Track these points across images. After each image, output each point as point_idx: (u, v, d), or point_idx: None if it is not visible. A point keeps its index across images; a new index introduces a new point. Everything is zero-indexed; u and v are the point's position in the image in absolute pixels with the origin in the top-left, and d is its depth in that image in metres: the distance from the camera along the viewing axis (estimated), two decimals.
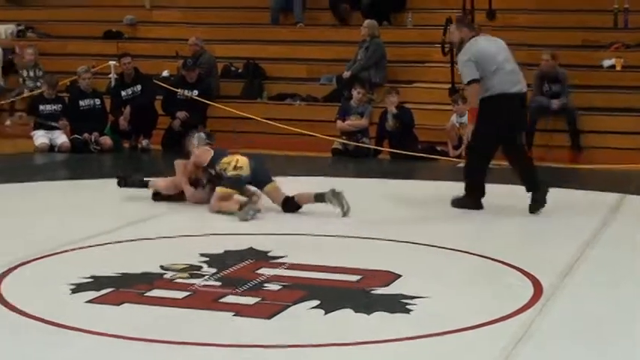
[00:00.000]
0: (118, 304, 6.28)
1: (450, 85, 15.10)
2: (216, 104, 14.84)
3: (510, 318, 6.02)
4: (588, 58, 15.51)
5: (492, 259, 7.54)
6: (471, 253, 7.75)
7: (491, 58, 9.47)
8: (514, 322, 5.95)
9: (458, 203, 9.66)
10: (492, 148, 9.66)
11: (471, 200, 9.63)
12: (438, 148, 13.74)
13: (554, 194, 10.41)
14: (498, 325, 5.90)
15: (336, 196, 8.94)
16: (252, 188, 9.30)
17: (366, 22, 15.70)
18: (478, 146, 9.58)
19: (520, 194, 9.57)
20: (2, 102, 16.30)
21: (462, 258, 7.70)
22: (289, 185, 9.82)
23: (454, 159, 13.34)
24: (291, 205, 9.16)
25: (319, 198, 9.01)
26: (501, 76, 9.41)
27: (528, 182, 9.61)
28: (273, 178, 9.41)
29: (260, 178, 9.32)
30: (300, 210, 9.23)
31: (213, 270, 7.07)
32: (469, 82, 9.41)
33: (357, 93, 14.14)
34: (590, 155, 13.82)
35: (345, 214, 8.96)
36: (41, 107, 14.35)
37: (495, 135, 9.49)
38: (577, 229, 8.81)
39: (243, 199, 9.17)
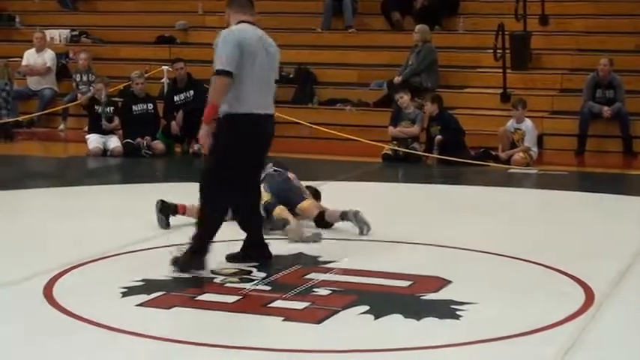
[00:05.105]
0: (169, 308, 6.32)
1: (501, 91, 15.05)
2: None
3: (561, 325, 5.98)
4: None
5: (543, 266, 7.48)
6: (521, 260, 7.70)
7: None
8: (565, 329, 5.90)
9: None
10: None
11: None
12: (494, 153, 13.65)
13: (607, 201, 10.35)
14: (548, 332, 5.85)
15: (355, 216, 8.70)
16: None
17: (418, 27, 15.65)
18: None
19: (573, 201, 9.50)
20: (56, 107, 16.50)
21: (511, 264, 7.65)
22: (339, 190, 9.84)
23: (505, 165, 13.28)
24: (323, 222, 8.82)
25: (344, 216, 8.68)
26: None
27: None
28: (305, 196, 8.98)
29: (290, 197, 8.87)
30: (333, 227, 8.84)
31: (263, 274, 7.09)
32: None
33: (400, 97, 14.11)
34: None
35: (362, 233, 8.58)
36: (96, 106, 14.50)
37: None
38: (630, 236, 8.72)
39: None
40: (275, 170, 9.13)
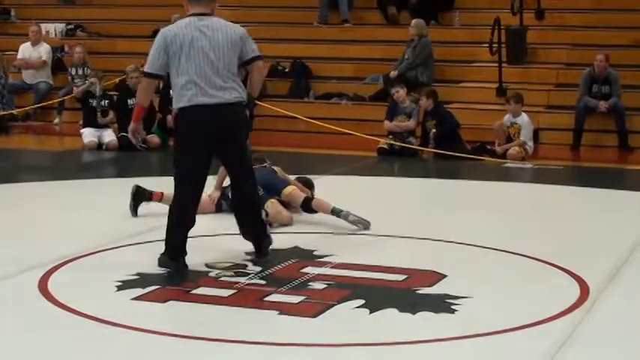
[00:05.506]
0: (164, 302, 6.31)
1: (497, 85, 15.05)
2: (262, 103, 14.86)
3: (556, 320, 5.97)
4: (638, 58, 15.35)
5: (539, 260, 7.48)
6: (517, 254, 7.69)
7: None
8: (559, 323, 5.90)
9: None
10: None
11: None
12: (489, 147, 13.64)
13: (603, 195, 10.32)
14: (543, 326, 5.85)
15: (347, 218, 8.66)
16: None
17: (414, 21, 15.66)
18: None
19: (569, 196, 9.49)
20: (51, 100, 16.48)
21: (507, 259, 7.65)
22: (335, 184, 9.79)
23: (500, 159, 13.28)
24: (309, 208, 8.85)
25: (335, 212, 8.65)
26: None
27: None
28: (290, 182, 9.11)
29: (275, 185, 8.95)
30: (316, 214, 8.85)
31: (258, 268, 7.09)
32: None
33: (396, 92, 14.10)
34: (639, 156, 13.70)
35: (360, 229, 8.57)
36: (90, 100, 14.47)
37: None
38: (625, 230, 8.72)
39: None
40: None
